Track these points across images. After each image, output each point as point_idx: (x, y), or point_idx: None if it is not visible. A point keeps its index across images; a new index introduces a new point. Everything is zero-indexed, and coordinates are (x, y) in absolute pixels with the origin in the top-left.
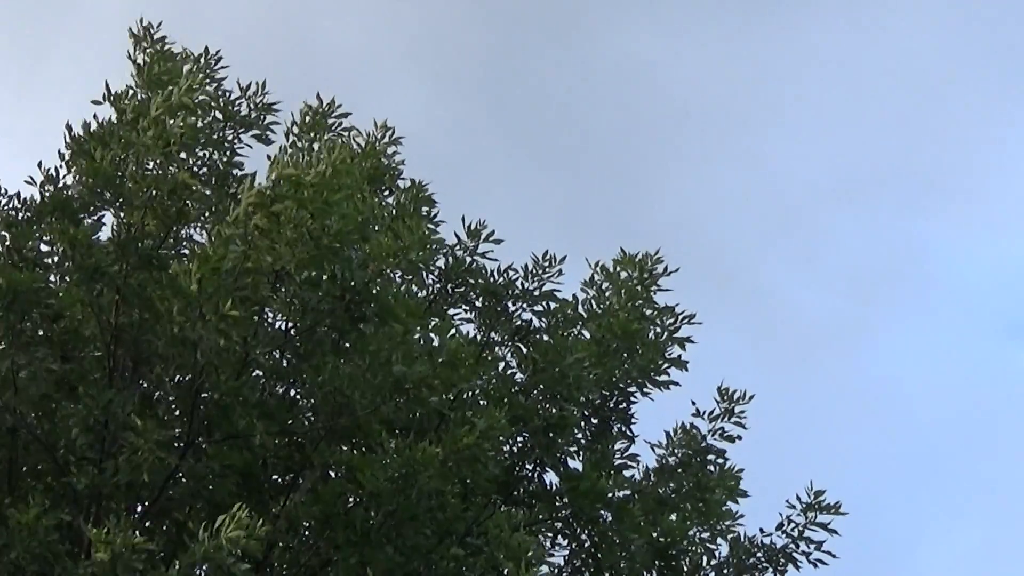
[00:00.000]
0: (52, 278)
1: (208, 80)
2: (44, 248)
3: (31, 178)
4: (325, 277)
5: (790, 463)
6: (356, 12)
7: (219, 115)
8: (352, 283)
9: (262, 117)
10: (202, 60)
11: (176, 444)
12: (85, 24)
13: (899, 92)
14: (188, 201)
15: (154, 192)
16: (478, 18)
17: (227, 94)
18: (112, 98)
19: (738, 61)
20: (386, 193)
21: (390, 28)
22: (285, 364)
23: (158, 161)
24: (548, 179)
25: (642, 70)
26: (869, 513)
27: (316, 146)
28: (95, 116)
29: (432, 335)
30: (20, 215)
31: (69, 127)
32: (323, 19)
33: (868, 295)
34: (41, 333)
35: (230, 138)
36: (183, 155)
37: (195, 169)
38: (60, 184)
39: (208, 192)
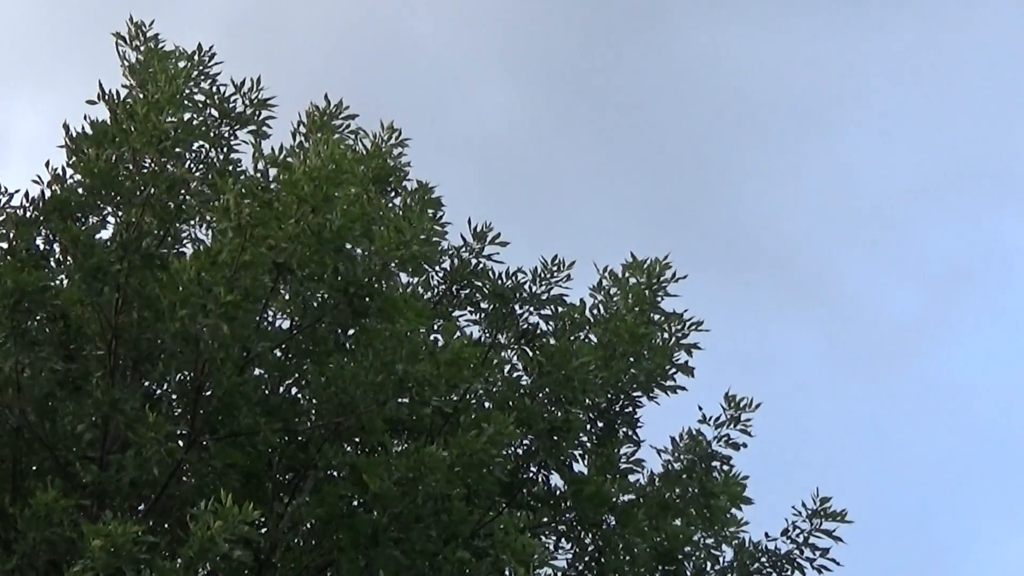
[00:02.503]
0: (55, 277)
1: (202, 76)
2: (46, 247)
3: (38, 177)
4: (327, 273)
5: (864, 460)
6: (443, 12)
7: (215, 112)
8: (355, 277)
9: (257, 113)
10: (196, 57)
11: (179, 442)
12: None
13: (983, 91)
14: (186, 197)
15: (151, 189)
16: (563, 17)
17: (222, 91)
18: (106, 97)
19: (821, 59)
20: (392, 194)
21: (477, 28)
22: (288, 362)
23: (153, 158)
24: (630, 178)
25: (725, 68)
26: (932, 513)
27: (312, 144)
28: (85, 116)
29: (437, 336)
30: (27, 214)
31: (67, 127)
32: (412, 20)
33: (949, 295)
34: (45, 332)
35: (226, 135)
36: (178, 150)
37: (191, 166)
38: (67, 183)
39: (206, 188)
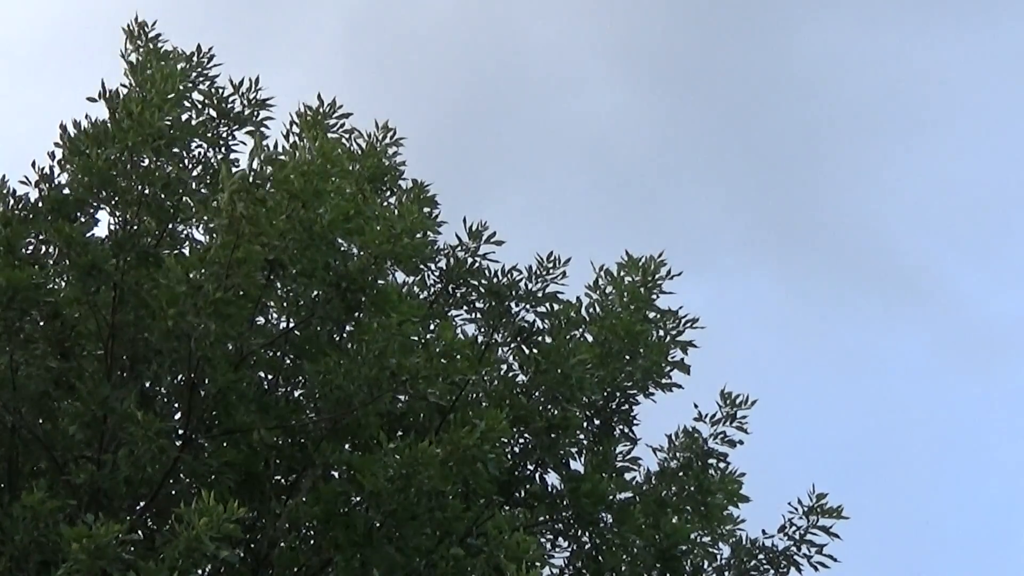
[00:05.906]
0: (50, 275)
1: (201, 78)
2: (41, 245)
3: (26, 178)
4: (319, 268)
5: (964, 459)
6: (557, 12)
7: (213, 112)
8: (346, 271)
9: (256, 113)
10: (195, 58)
11: (175, 441)
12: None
13: None
14: (183, 197)
15: (147, 189)
16: (674, 17)
17: (221, 91)
18: (107, 96)
19: (924, 58)
20: (387, 193)
21: (590, 28)
22: (284, 360)
23: (149, 157)
24: (738, 178)
25: (833, 68)
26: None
27: (306, 142)
28: (87, 115)
29: (431, 331)
30: (18, 213)
31: (63, 127)
32: (525, 20)
33: None
34: (40, 330)
35: (224, 135)
36: (175, 150)
37: (188, 165)
38: (55, 183)
39: (203, 188)
